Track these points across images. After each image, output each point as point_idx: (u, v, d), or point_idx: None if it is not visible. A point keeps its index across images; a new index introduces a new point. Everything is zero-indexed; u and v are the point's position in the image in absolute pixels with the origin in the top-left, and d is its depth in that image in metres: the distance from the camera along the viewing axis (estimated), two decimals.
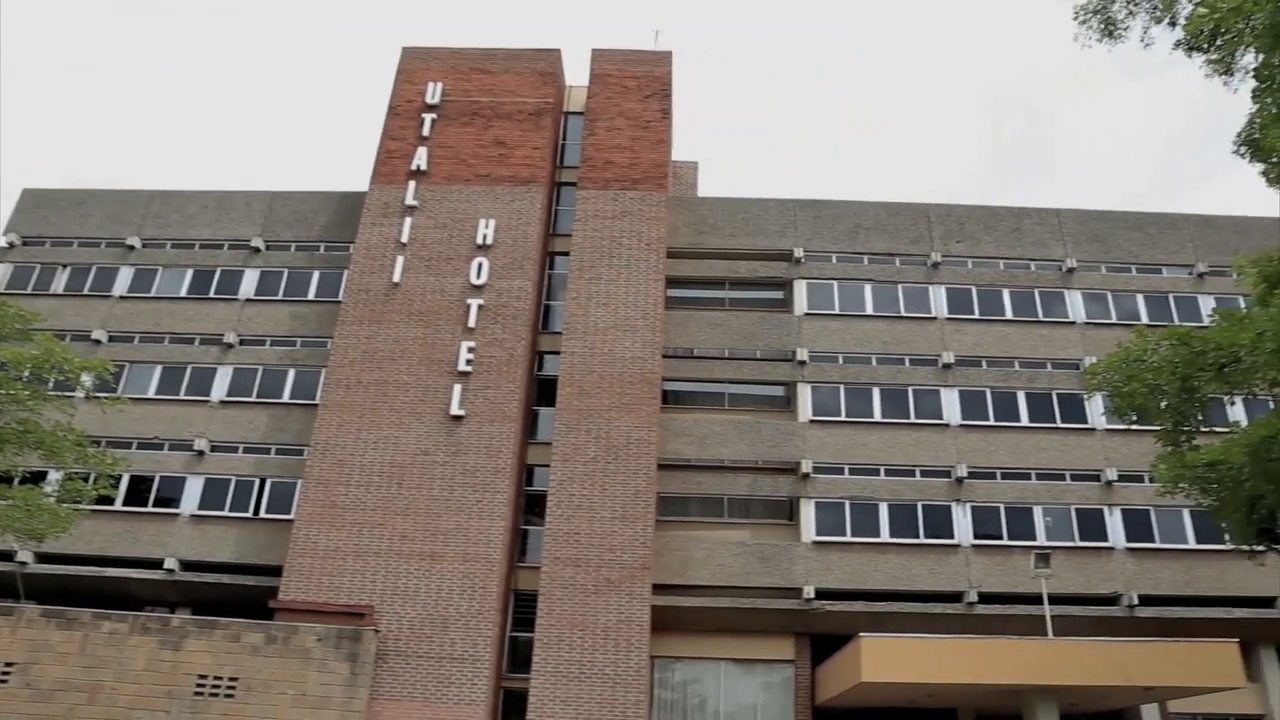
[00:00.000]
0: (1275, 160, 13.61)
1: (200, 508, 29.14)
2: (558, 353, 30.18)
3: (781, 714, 27.72)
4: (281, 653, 23.74)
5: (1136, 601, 27.73)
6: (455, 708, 24.80)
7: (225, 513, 29.07)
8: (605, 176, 32.38)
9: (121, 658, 23.40)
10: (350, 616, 25.14)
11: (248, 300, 32.69)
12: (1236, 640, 23.61)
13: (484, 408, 28.56)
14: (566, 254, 31.90)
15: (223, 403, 30.92)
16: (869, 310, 32.27)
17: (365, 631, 24.42)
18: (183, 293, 33.01)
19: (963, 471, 29.36)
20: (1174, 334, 12.22)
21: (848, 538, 28.70)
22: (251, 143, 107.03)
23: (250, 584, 27.91)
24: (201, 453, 29.85)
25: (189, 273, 33.38)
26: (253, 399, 30.95)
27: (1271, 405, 17.32)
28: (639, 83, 34.17)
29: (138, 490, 29.48)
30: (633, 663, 25.54)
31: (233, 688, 23.21)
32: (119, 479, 27.43)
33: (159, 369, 31.62)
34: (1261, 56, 8.48)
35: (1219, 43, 8.57)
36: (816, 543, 28.62)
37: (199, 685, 23.18)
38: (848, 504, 29.18)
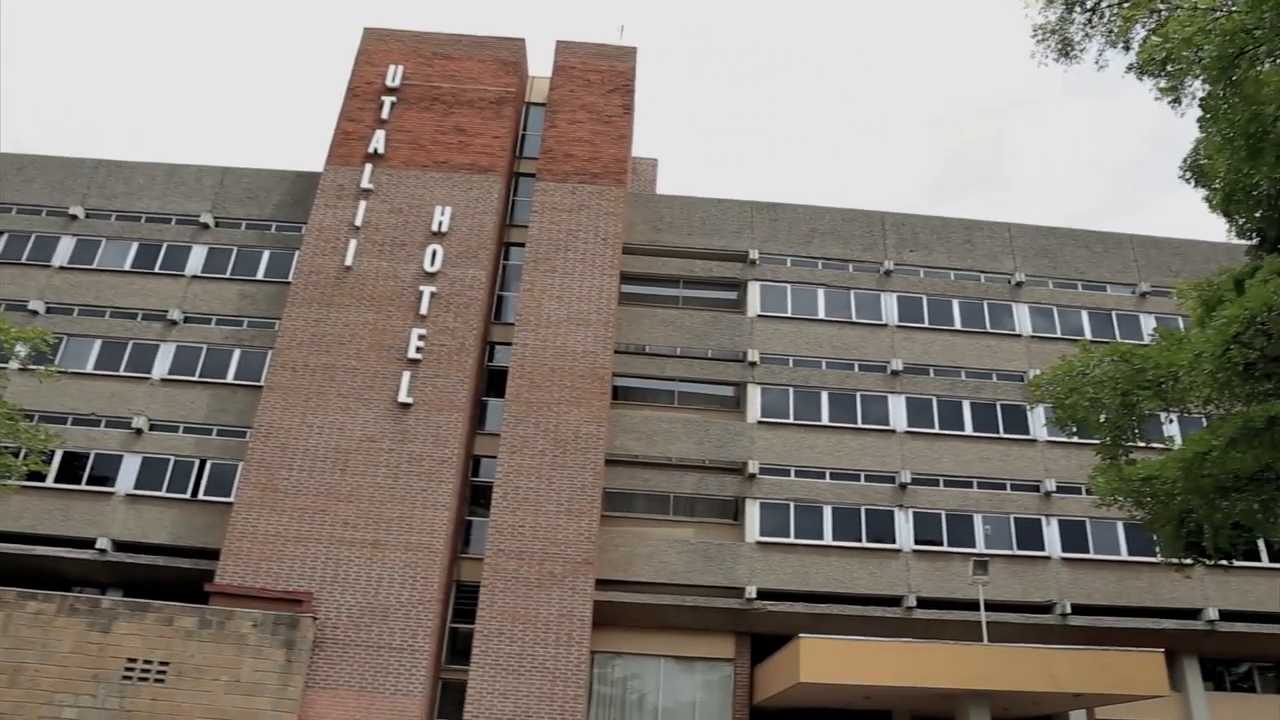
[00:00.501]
0: (1217, 186, 14.00)
1: (136, 487, 28.47)
2: (509, 344, 30.03)
3: (719, 712, 27.89)
4: (216, 638, 23.33)
5: (1069, 610, 28.33)
6: (392, 698, 24.57)
7: (162, 493, 28.44)
8: (564, 169, 32.25)
9: (47, 639, 22.81)
10: (288, 603, 24.77)
11: (194, 277, 32.00)
12: (1162, 650, 24.34)
13: (433, 396, 28.30)
14: (522, 245, 31.73)
15: (164, 380, 30.24)
16: (821, 314, 32.55)
17: (303, 618, 24.08)
18: (126, 266, 32.20)
19: (906, 478, 29.75)
20: (1116, 350, 12.54)
21: (791, 539, 28.94)
22: (203, 118, 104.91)
23: (186, 567, 27.37)
24: (140, 431, 29.18)
25: (134, 246, 32.56)
26: (195, 378, 30.31)
27: (1205, 423, 17.79)
28: (602, 77, 34.06)
29: (71, 467, 28.71)
30: (573, 657, 25.51)
31: (163, 672, 22.76)
32: (52, 455, 26.71)
33: (98, 343, 30.82)
34: (1208, 87, 8.74)
35: (1169, 69, 8.80)
36: (760, 543, 28.82)
37: (128, 669, 22.69)
38: (792, 505, 29.42)
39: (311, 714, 24.02)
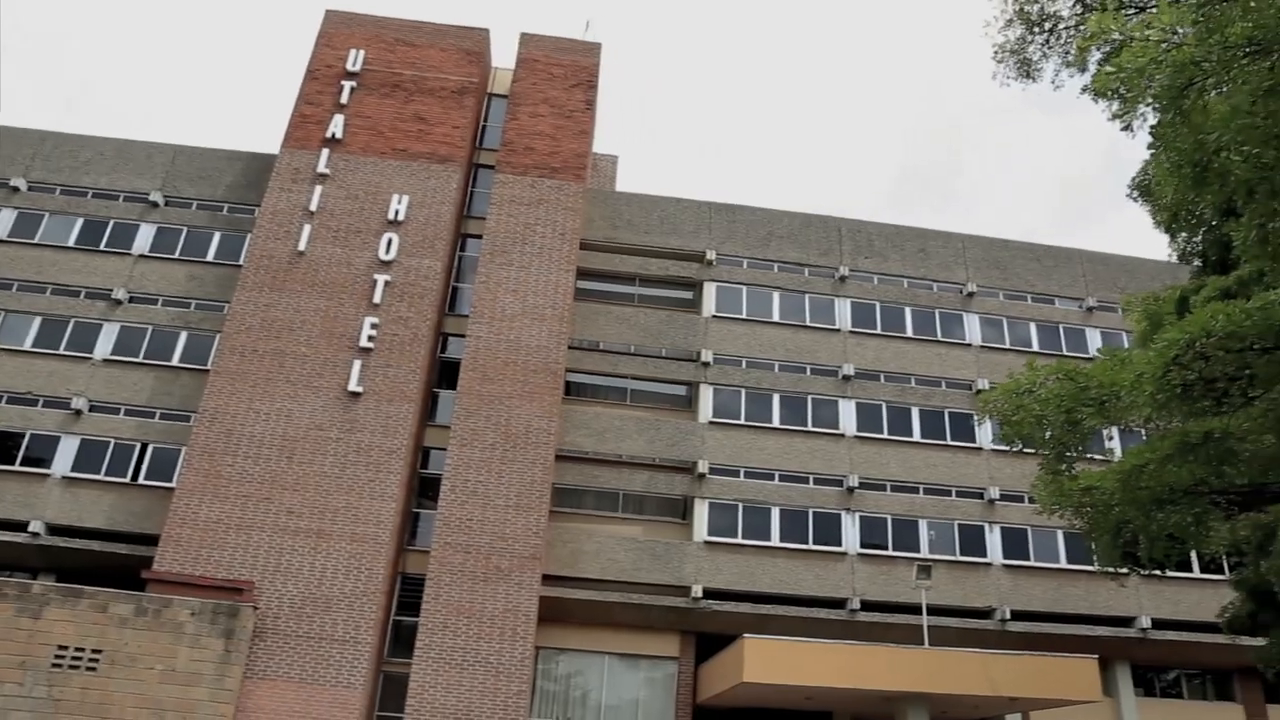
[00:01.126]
0: (1164, 204, 14.40)
1: (73, 469, 27.76)
2: (463, 336, 29.83)
3: (663, 710, 27.99)
4: (151, 626, 22.87)
5: (1009, 616, 28.88)
6: (332, 690, 24.30)
7: (101, 476, 27.77)
8: (524, 162, 32.07)
9: None
10: (228, 591, 24.38)
11: (141, 256, 31.26)
12: (1096, 656, 24.93)
13: (383, 386, 28.01)
14: (479, 237, 31.52)
15: (106, 361, 29.52)
16: (775, 317, 32.74)
17: (243, 608, 23.71)
18: (70, 242, 31.35)
19: (854, 481, 30.07)
20: (1062, 369, 12.87)
21: (738, 539, 29.11)
22: (156, 94, 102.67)
23: (123, 553, 26.75)
24: (79, 412, 28.46)
25: (79, 221, 31.72)
26: (139, 359, 29.63)
27: (1144, 436, 18.25)
28: (565, 71, 33.92)
29: (5, 447, 27.93)
30: (517, 652, 25.44)
31: (95, 660, 22.25)
32: None
33: (38, 320, 29.97)
34: (1158, 116, 9.02)
35: (1122, 93, 9.04)
36: (708, 542, 28.95)
37: (58, 656, 22.14)
38: (740, 506, 29.59)
39: (250, 705, 23.68)
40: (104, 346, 29.72)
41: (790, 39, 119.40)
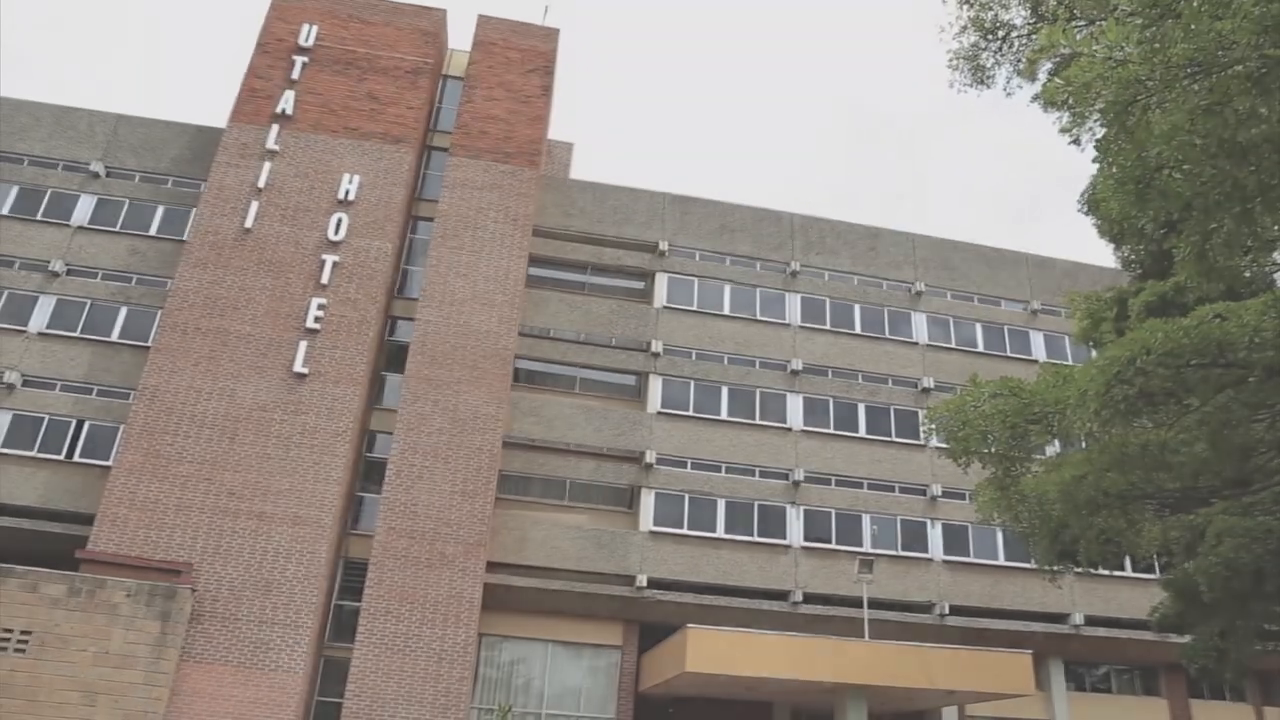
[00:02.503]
0: (1110, 217, 14.71)
1: (4, 445, 26.91)
2: (412, 319, 29.52)
3: (605, 698, 28.09)
4: (85, 607, 22.38)
5: (947, 611, 29.43)
6: (271, 674, 24.00)
7: (33, 453, 26.99)
8: (478, 146, 31.76)
9: None
10: (165, 573, 23.92)
11: (80, 228, 30.36)
12: (1030, 652, 25.53)
13: (330, 367, 27.63)
14: (430, 219, 31.19)
15: (41, 334, 28.66)
16: (726, 310, 32.87)
17: (181, 590, 23.30)
18: (5, 210, 30.30)
19: (800, 475, 30.36)
20: (1005, 385, 13.14)
21: (684, 530, 29.26)
22: (96, 61, 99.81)
23: (56, 532, 26.07)
24: (11, 386, 27.63)
25: (14, 189, 30.65)
26: (77, 334, 28.83)
27: (1083, 444, 18.67)
28: (523, 56, 33.61)
29: None
30: (460, 638, 25.35)
31: (24, 642, 21.71)
32: None
33: None
34: (1104, 130, 9.22)
35: (1071, 104, 9.21)
36: (653, 533, 29.06)
37: None
38: (687, 497, 29.74)
39: (186, 688, 23.30)
40: (39, 319, 28.86)
41: (757, 36, 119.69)
